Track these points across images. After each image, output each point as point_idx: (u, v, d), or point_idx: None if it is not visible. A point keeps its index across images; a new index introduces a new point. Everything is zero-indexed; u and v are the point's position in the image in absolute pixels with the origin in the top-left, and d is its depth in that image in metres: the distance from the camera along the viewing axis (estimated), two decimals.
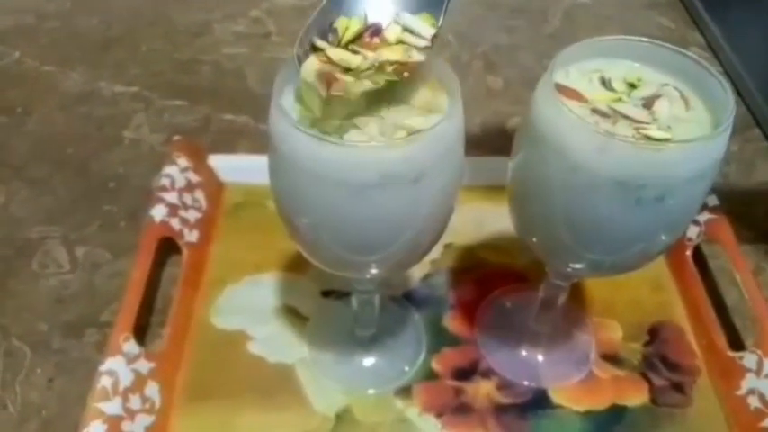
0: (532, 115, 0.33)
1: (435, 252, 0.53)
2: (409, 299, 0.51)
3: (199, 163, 0.56)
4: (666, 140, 0.30)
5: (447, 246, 0.54)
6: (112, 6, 0.80)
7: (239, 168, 0.57)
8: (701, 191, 0.31)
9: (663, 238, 0.33)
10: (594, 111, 0.32)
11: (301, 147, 0.28)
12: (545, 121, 0.32)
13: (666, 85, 0.33)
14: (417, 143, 0.28)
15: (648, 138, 0.30)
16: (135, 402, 0.42)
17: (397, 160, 0.28)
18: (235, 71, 0.72)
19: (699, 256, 0.53)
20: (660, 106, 0.32)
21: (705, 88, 0.32)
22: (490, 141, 0.64)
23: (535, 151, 0.33)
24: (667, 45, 0.33)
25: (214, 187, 0.57)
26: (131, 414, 0.42)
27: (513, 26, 0.79)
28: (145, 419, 0.42)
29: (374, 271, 0.36)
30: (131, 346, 0.44)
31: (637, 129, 0.31)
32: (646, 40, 0.34)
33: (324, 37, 0.31)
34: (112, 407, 0.41)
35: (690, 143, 0.29)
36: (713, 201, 0.52)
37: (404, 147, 0.28)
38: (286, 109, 0.29)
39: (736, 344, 0.49)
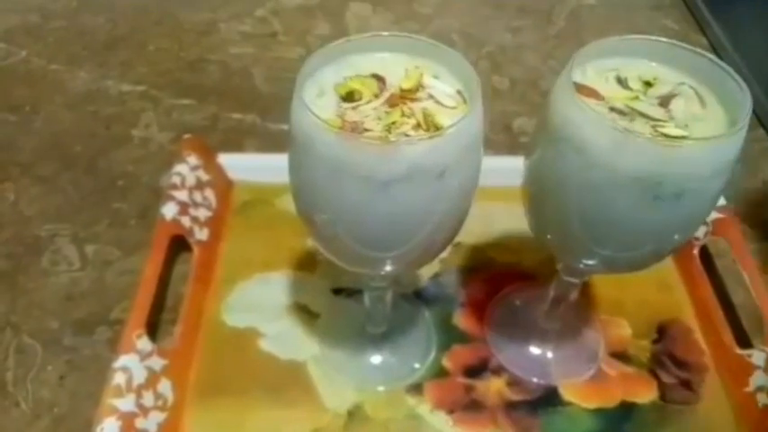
0: (550, 113, 0.33)
1: (444, 251, 0.53)
2: (419, 297, 0.51)
3: (208, 161, 0.57)
4: (684, 138, 0.30)
5: (456, 245, 0.54)
6: (117, 5, 0.80)
7: (248, 167, 0.58)
8: (718, 188, 0.32)
9: (678, 234, 0.34)
10: (612, 109, 0.32)
11: (325, 141, 0.29)
12: (563, 119, 0.32)
13: (682, 84, 0.33)
14: (441, 138, 0.28)
15: (666, 135, 0.30)
16: (148, 399, 0.43)
17: (421, 155, 0.28)
18: (241, 70, 0.72)
19: (706, 255, 0.54)
20: (676, 105, 0.32)
21: (720, 87, 0.33)
22: (497, 141, 0.65)
23: (553, 149, 0.33)
24: (683, 45, 0.34)
25: (223, 186, 0.57)
26: (144, 411, 0.42)
27: (518, 26, 0.79)
28: (158, 416, 0.43)
29: (389, 268, 0.36)
30: (144, 343, 0.44)
31: (654, 126, 0.31)
32: (663, 39, 0.34)
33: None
34: (126, 403, 0.41)
35: (708, 141, 0.30)
36: (720, 200, 0.53)
37: (428, 141, 0.28)
38: (308, 103, 0.29)
39: (744, 342, 0.49)
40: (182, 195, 0.52)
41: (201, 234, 0.53)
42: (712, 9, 0.79)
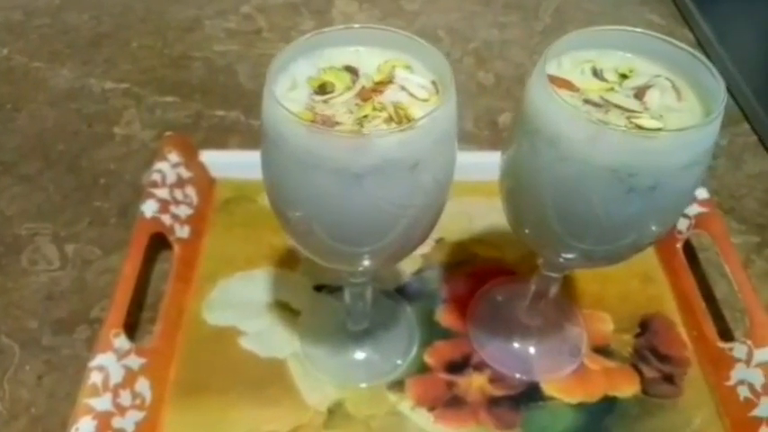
0: (525, 106, 0.33)
1: (426, 247, 0.53)
2: (401, 293, 0.51)
3: (190, 159, 0.56)
4: (658, 129, 0.30)
5: (438, 241, 0.54)
6: (102, 2, 0.79)
7: (230, 164, 0.57)
8: (694, 180, 0.32)
9: (655, 227, 0.34)
10: (586, 101, 0.32)
11: (296, 136, 0.28)
12: (537, 112, 0.32)
13: (658, 75, 0.33)
14: (413, 131, 0.28)
15: (640, 127, 0.30)
16: (125, 398, 0.42)
17: (394, 147, 0.28)
18: (226, 67, 0.71)
19: (689, 248, 0.54)
20: (651, 96, 0.32)
21: (696, 78, 0.32)
22: (481, 136, 0.64)
23: (528, 142, 0.33)
24: (659, 36, 0.33)
25: (205, 183, 0.57)
26: (121, 410, 0.42)
27: (504, 22, 0.79)
28: (135, 415, 0.42)
29: (366, 263, 0.36)
30: (122, 341, 0.43)
31: (629, 118, 0.31)
32: (638, 30, 0.34)
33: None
34: (102, 403, 0.41)
35: (682, 131, 0.29)
36: (703, 194, 0.53)
37: (399, 134, 0.28)
38: (279, 97, 0.29)
39: (726, 335, 0.49)
40: (162, 193, 0.52)
41: (182, 232, 0.52)
42: (699, 4, 0.79)
